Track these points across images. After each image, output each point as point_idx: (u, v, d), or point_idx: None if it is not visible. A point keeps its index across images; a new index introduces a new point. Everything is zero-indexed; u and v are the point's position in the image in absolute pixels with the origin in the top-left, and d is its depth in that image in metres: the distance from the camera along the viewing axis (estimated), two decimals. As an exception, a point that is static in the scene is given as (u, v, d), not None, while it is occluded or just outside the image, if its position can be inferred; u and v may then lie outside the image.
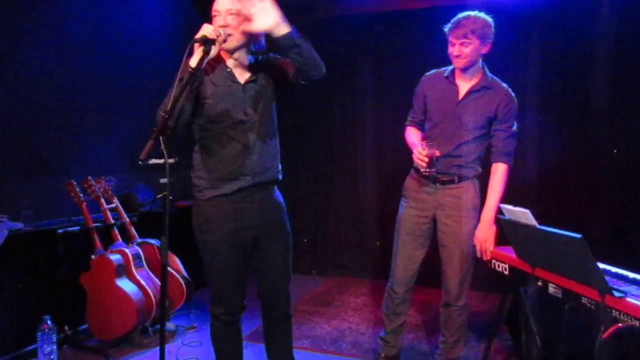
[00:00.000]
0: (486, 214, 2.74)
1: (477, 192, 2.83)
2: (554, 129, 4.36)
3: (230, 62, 2.31)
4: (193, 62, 2.09)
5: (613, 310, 1.89)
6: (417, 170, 2.82)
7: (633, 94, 4.06)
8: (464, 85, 2.75)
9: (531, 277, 2.40)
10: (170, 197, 1.99)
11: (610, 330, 1.88)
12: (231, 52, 2.28)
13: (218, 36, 2.13)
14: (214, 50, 2.15)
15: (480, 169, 2.85)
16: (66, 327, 3.59)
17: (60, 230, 3.58)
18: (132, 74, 4.56)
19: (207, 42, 2.10)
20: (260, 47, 2.39)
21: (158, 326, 3.72)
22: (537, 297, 2.87)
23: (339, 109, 5.25)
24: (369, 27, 5.03)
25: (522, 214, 2.24)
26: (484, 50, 2.66)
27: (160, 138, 1.98)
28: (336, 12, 5.10)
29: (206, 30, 2.12)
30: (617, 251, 3.82)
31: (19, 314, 3.39)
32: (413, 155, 2.69)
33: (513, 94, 2.74)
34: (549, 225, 2.11)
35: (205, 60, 2.13)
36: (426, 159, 2.60)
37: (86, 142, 4.11)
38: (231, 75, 2.30)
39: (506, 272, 2.61)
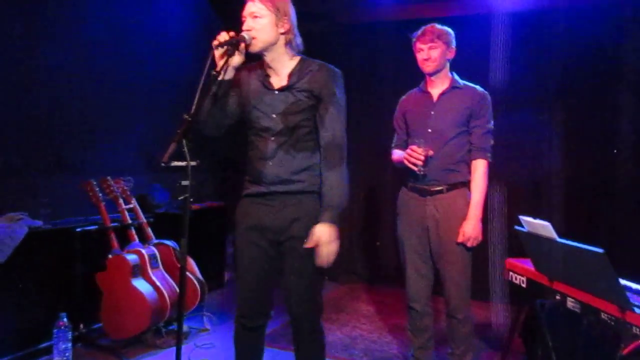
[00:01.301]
0: (472, 211, 2.75)
1: (468, 201, 2.80)
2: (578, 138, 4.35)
3: (268, 67, 2.27)
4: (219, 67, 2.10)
5: (634, 327, 1.87)
6: (407, 185, 2.92)
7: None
8: (436, 91, 2.90)
9: (549, 290, 2.38)
10: (191, 200, 2.00)
11: (630, 347, 1.86)
12: (264, 56, 2.24)
13: (237, 39, 2.12)
14: (237, 58, 2.16)
15: (469, 176, 2.84)
16: (81, 325, 3.62)
17: (78, 229, 3.62)
18: (152, 76, 4.61)
19: (229, 45, 2.11)
20: (297, 46, 2.28)
21: (171, 327, 3.74)
22: (554, 311, 2.85)
23: (356, 112, 5.26)
24: (387, 34, 5.04)
25: (542, 227, 2.22)
26: (450, 55, 2.82)
27: (183, 141, 1.99)
28: (354, 18, 5.12)
29: (222, 37, 2.13)
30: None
31: (35, 311, 3.42)
32: (405, 160, 2.76)
33: (485, 92, 2.84)
34: (569, 238, 2.10)
35: (227, 67, 2.14)
36: (422, 157, 2.69)
37: (105, 142, 4.15)
38: (266, 81, 2.26)
39: (523, 285, 2.59)
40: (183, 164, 1.95)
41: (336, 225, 2.18)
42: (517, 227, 2.48)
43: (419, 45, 2.81)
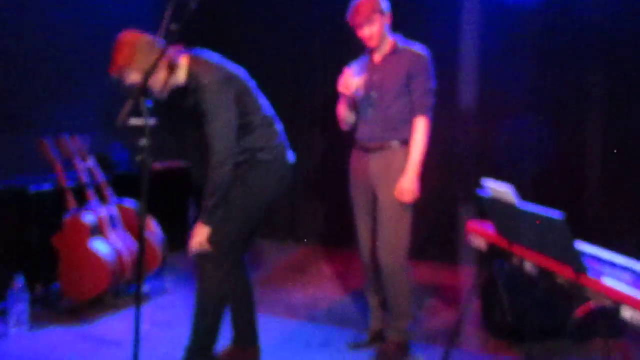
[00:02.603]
0: (410, 166, 2.80)
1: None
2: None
3: None
4: None
5: (587, 289, 1.92)
6: (354, 144, 3.02)
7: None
8: (377, 56, 2.92)
9: (508, 253, 2.43)
10: (151, 160, 1.93)
11: (583, 309, 1.91)
12: None
13: None
14: None
15: (408, 134, 2.87)
16: (38, 286, 3.53)
17: (32, 189, 3.49)
18: (110, 30, 4.40)
19: None
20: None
21: (131, 289, 3.69)
22: (512, 273, 2.93)
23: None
24: None
25: (504, 191, 2.24)
26: (387, 20, 2.84)
27: (140, 98, 1.92)
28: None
29: None
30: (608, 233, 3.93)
31: (-12, 272, 3.33)
32: (340, 89, 2.85)
33: (423, 53, 2.86)
34: (535, 202, 2.12)
35: None
36: (351, 79, 2.78)
37: (61, 98, 3.99)
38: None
39: (483, 247, 2.64)
40: (140, 122, 1.88)
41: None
42: (478, 191, 2.50)
43: (356, 24, 2.81)
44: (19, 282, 3.17)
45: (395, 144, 2.86)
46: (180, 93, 2.44)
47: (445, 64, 4.48)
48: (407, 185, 2.78)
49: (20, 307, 3.18)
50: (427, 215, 4.79)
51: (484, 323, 3.30)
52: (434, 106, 2.86)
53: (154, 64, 2.06)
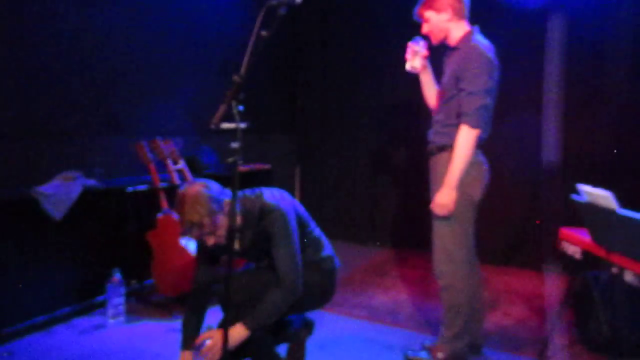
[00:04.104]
0: (446, 177, 2.62)
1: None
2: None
3: None
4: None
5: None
6: None
7: None
8: (448, 52, 2.81)
9: (605, 262, 2.30)
10: (241, 162, 2.00)
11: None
12: None
13: None
14: None
15: (453, 139, 2.66)
16: (133, 281, 3.75)
17: (129, 189, 3.72)
18: (201, 38, 4.61)
19: None
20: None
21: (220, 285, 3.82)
22: (609, 283, 2.76)
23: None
24: None
25: (603, 196, 2.12)
26: (446, 17, 2.68)
27: (233, 103, 1.98)
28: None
29: None
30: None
31: (90, 266, 3.57)
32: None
33: (479, 52, 2.58)
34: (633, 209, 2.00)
35: None
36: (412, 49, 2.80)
37: (156, 104, 4.21)
38: None
39: (578, 256, 2.51)
40: (232, 126, 1.94)
41: None
42: (573, 196, 2.39)
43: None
44: (116, 276, 3.38)
45: (439, 149, 2.73)
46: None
47: (531, 64, 4.37)
48: (440, 198, 2.63)
49: (117, 301, 3.39)
50: (512, 221, 4.67)
51: (577, 335, 3.13)
52: (482, 111, 2.56)
53: None
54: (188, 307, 2.50)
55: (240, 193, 2.39)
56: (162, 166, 3.80)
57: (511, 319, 3.54)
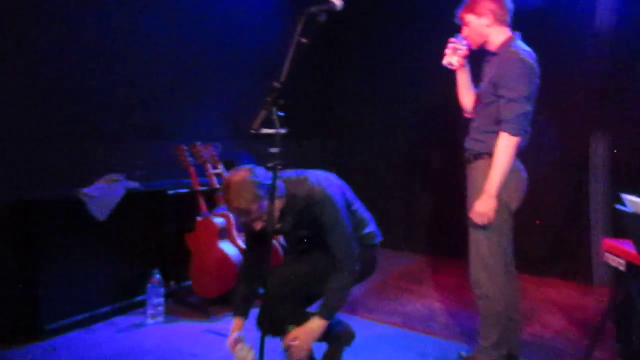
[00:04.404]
0: (486, 186, 2.56)
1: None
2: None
3: None
4: None
5: None
6: None
7: None
8: (488, 58, 2.76)
9: (651, 275, 2.23)
10: (280, 167, 2.03)
11: None
12: None
13: None
14: None
15: (491, 146, 2.60)
16: (172, 282, 3.83)
17: (169, 191, 3.80)
18: (239, 45, 4.69)
19: None
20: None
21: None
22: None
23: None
24: None
25: (648, 207, 2.06)
26: (485, 22, 2.64)
27: (273, 108, 2.01)
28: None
29: None
30: None
31: (131, 266, 3.66)
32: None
33: (519, 58, 2.51)
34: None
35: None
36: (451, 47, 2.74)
37: (196, 109, 4.31)
38: None
39: (622, 268, 2.44)
40: (272, 131, 1.97)
41: None
42: (618, 206, 2.32)
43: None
44: (156, 277, 3.46)
45: (476, 157, 2.68)
46: None
47: (573, 68, 4.28)
48: (479, 207, 2.58)
49: (157, 301, 3.47)
50: (553, 230, 4.57)
51: (618, 350, 3.04)
52: (522, 119, 2.51)
53: None
54: (240, 279, 2.58)
55: (283, 174, 2.39)
56: (201, 170, 3.88)
57: (550, 330, 3.46)
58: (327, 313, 2.38)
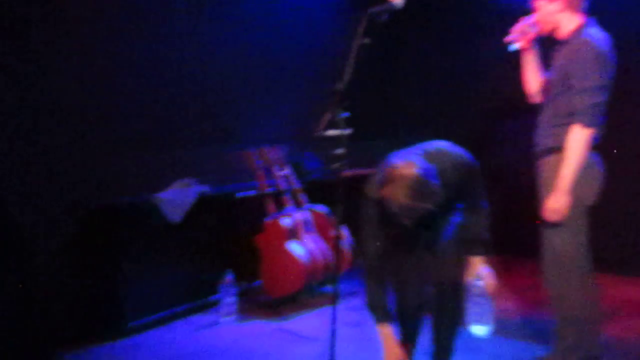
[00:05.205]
0: (558, 182, 2.45)
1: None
2: None
3: None
4: None
5: None
6: None
7: None
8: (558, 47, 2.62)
9: None
10: (345, 167, 2.05)
11: None
12: None
13: None
14: None
15: (562, 140, 2.46)
16: (243, 282, 3.94)
17: (238, 194, 3.92)
18: (301, 49, 4.76)
19: None
20: None
21: (324, 288, 3.92)
22: None
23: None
24: None
25: None
26: (561, 9, 2.50)
27: (336, 110, 2.04)
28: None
29: None
30: None
31: (204, 267, 3.80)
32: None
33: (591, 46, 2.39)
34: None
35: None
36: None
37: (261, 113, 4.41)
38: None
39: None
40: (337, 133, 2.00)
41: None
42: None
43: None
44: (229, 277, 3.58)
45: (548, 152, 2.57)
46: None
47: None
48: (552, 204, 2.49)
49: (229, 300, 3.59)
50: (633, 227, 4.33)
51: None
52: (596, 110, 2.41)
53: None
54: (372, 282, 2.38)
55: (419, 150, 2.31)
56: (269, 172, 3.97)
57: (631, 332, 3.29)
58: (484, 250, 2.43)
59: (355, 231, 4.12)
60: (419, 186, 2.03)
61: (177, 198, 3.56)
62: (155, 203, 3.47)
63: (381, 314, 2.34)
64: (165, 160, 3.76)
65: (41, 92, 3.15)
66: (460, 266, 2.46)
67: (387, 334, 2.33)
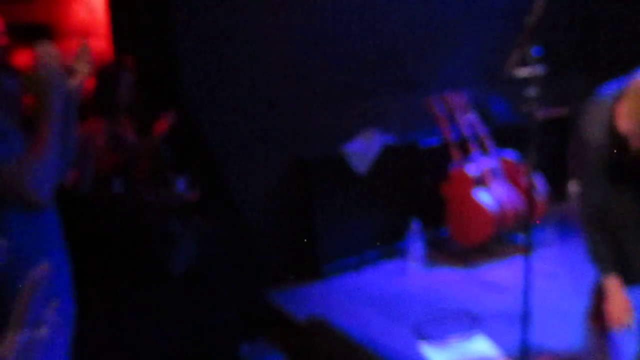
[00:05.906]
0: None
1: None
2: None
3: None
4: None
5: None
6: None
7: None
8: None
9: None
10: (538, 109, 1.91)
11: None
12: None
13: None
14: None
15: None
16: (430, 229, 3.95)
17: (422, 143, 3.89)
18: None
19: None
20: None
21: (515, 237, 3.77)
22: None
23: None
24: None
25: None
26: None
27: (526, 47, 1.90)
28: None
29: None
30: None
31: (391, 215, 3.88)
32: None
33: None
34: None
35: None
36: None
37: (444, 58, 4.25)
38: None
39: None
40: (528, 71, 1.86)
41: None
42: None
43: None
44: (415, 225, 3.62)
45: None
46: None
47: None
48: None
49: (417, 247, 3.64)
50: None
51: None
52: None
53: None
54: (594, 231, 2.10)
55: None
56: (453, 120, 3.86)
57: None
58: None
59: (551, 178, 3.87)
60: None
61: (362, 149, 3.67)
62: (342, 155, 3.62)
63: (606, 265, 2.08)
64: (350, 111, 3.86)
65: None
66: None
67: (614, 286, 2.06)
